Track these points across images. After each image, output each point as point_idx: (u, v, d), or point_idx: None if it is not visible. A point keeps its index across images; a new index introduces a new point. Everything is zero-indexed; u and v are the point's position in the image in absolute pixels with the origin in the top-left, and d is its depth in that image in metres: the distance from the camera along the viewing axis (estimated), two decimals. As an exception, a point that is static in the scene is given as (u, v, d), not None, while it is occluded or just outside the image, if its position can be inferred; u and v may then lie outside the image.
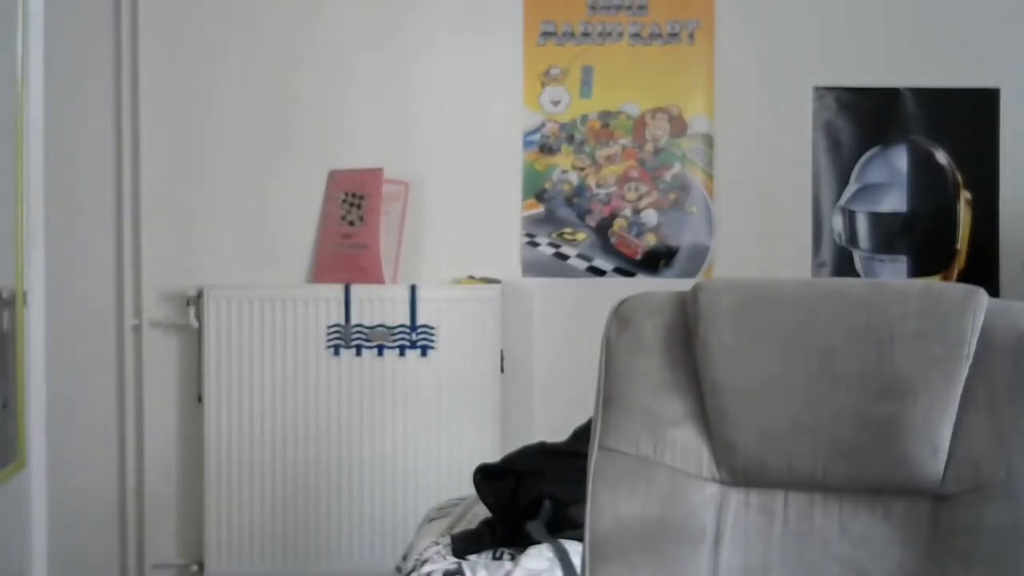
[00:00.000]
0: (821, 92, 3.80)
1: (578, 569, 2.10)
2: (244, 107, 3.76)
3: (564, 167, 3.80)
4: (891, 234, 3.81)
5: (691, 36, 3.79)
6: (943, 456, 1.52)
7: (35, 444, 2.48)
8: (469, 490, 2.78)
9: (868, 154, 3.81)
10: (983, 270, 3.77)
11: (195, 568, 3.74)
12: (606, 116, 3.80)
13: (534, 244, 3.81)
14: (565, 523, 2.41)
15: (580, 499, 1.65)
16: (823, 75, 3.80)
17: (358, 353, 3.65)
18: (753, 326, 1.59)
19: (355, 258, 3.70)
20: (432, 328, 3.65)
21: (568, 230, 3.81)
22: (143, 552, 3.76)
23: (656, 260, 3.81)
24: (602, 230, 3.81)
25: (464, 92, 3.79)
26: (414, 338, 3.65)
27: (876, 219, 3.81)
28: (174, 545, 3.77)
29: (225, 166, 3.77)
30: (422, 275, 3.75)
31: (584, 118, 3.80)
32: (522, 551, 2.40)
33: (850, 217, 3.82)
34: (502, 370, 3.68)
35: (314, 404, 3.64)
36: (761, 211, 3.80)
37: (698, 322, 1.61)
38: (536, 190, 3.81)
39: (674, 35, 3.79)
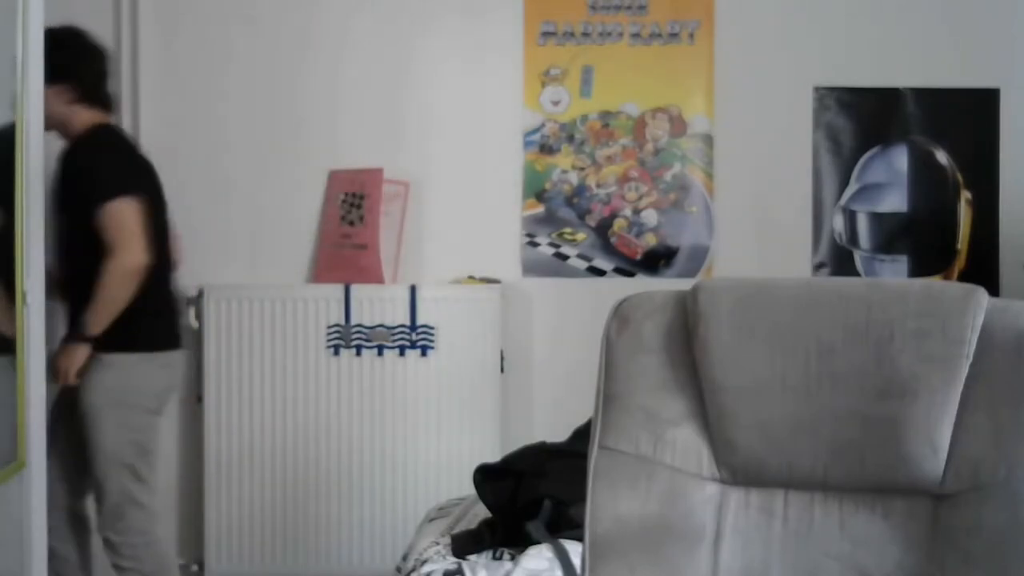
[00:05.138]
0: (821, 92, 3.80)
1: (578, 569, 2.10)
2: (244, 107, 3.77)
3: (564, 167, 3.80)
4: (891, 234, 3.81)
5: (691, 36, 3.79)
6: (943, 455, 1.52)
7: (35, 444, 2.47)
8: (469, 490, 2.78)
9: (868, 154, 3.81)
10: (983, 270, 3.77)
11: (195, 568, 3.74)
12: (606, 116, 3.80)
13: (534, 244, 3.81)
14: (565, 523, 2.40)
15: (580, 499, 1.65)
16: (823, 75, 3.80)
17: (358, 353, 3.65)
18: (753, 326, 1.58)
19: (355, 258, 3.70)
20: (432, 328, 3.65)
21: (568, 230, 3.81)
22: (143, 552, 3.76)
23: (656, 260, 3.81)
24: (602, 230, 3.80)
25: (464, 92, 3.80)
26: (414, 338, 3.64)
27: (876, 219, 3.81)
28: (174, 545, 3.77)
29: (225, 166, 3.77)
30: (422, 275, 3.75)
31: (584, 118, 3.80)
32: (522, 551, 2.40)
33: (850, 217, 3.82)
34: (502, 370, 3.68)
35: (314, 404, 3.65)
36: (761, 211, 3.80)
37: (698, 322, 1.60)
38: (536, 190, 3.81)
39: (674, 35, 3.79)
